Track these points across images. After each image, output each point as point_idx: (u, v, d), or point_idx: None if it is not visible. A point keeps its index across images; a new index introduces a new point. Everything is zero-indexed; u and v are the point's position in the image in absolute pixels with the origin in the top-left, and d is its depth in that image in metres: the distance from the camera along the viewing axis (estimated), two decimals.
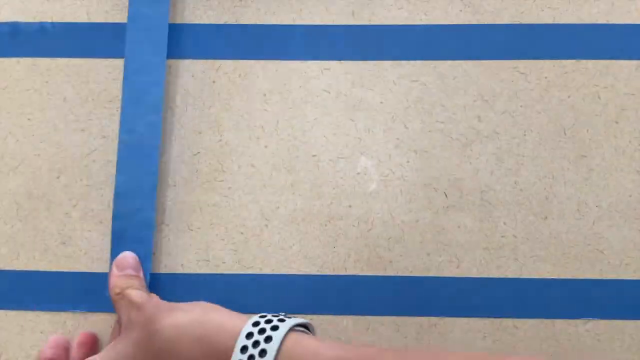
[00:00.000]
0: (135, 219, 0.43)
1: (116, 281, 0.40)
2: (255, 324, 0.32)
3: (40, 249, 0.45)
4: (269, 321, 0.32)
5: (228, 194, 0.45)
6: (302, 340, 0.31)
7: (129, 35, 0.46)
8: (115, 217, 0.43)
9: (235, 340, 0.31)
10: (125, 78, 0.45)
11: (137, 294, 0.39)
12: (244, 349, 0.31)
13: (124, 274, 0.41)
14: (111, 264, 0.42)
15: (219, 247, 0.45)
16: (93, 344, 0.42)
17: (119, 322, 0.41)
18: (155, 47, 0.46)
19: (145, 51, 0.45)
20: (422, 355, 0.31)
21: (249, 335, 0.31)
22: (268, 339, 0.31)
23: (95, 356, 0.37)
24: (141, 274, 0.42)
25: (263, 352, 0.30)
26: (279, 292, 0.44)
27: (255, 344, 0.31)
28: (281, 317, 0.34)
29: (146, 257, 0.43)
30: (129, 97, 0.45)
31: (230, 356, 0.31)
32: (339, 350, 0.31)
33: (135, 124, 0.44)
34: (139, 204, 0.43)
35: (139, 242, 0.43)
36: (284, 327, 0.32)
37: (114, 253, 0.43)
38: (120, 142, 0.44)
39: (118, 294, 0.40)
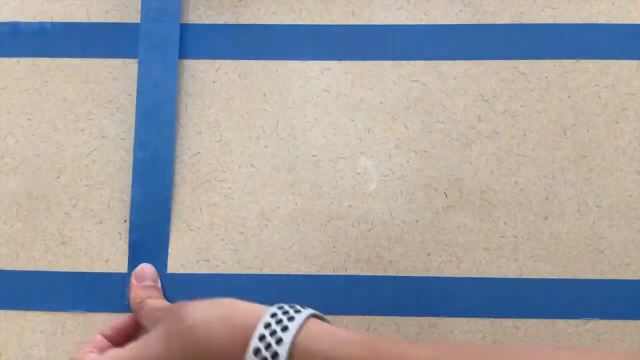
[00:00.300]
0: (151, 231, 0.45)
1: (136, 292, 0.42)
2: (280, 307, 0.35)
3: (40, 249, 0.45)
4: (292, 306, 0.35)
5: (228, 194, 0.45)
6: (320, 323, 0.34)
7: (141, 41, 0.46)
8: (132, 229, 0.45)
9: (260, 319, 0.34)
10: (138, 90, 0.46)
11: (158, 301, 0.41)
12: (267, 325, 0.33)
13: (143, 285, 0.43)
14: (129, 275, 0.44)
15: (219, 247, 0.45)
16: None
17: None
18: (167, 55, 0.46)
19: (159, 58, 0.46)
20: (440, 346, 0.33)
21: (273, 315, 0.34)
22: (291, 319, 0.33)
23: (130, 345, 0.38)
24: (159, 284, 0.44)
25: (285, 329, 0.33)
26: (279, 292, 0.44)
27: (279, 322, 0.33)
28: (304, 306, 0.37)
29: (162, 267, 0.44)
30: (142, 111, 0.46)
31: (252, 334, 0.33)
32: (355, 333, 0.34)
33: (149, 139, 0.45)
34: (155, 217, 0.45)
35: (155, 253, 0.45)
36: (306, 312, 0.35)
37: (132, 264, 0.44)
38: (134, 157, 0.45)
39: (139, 303, 0.41)
